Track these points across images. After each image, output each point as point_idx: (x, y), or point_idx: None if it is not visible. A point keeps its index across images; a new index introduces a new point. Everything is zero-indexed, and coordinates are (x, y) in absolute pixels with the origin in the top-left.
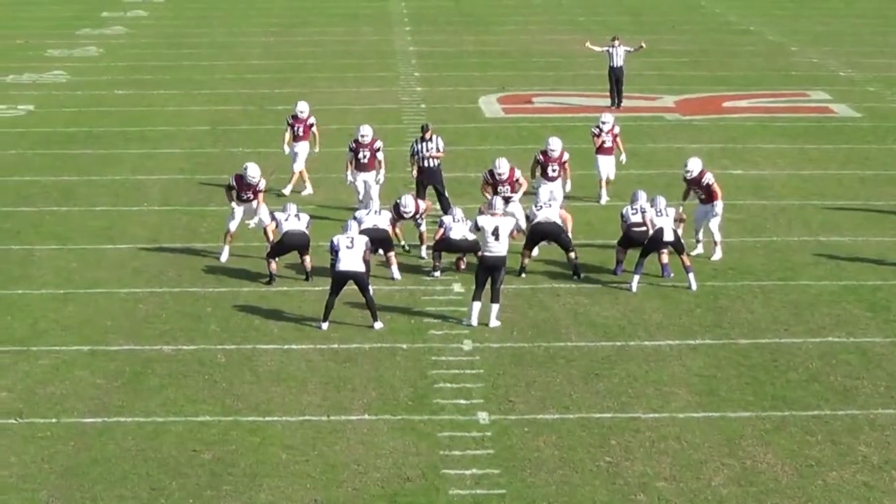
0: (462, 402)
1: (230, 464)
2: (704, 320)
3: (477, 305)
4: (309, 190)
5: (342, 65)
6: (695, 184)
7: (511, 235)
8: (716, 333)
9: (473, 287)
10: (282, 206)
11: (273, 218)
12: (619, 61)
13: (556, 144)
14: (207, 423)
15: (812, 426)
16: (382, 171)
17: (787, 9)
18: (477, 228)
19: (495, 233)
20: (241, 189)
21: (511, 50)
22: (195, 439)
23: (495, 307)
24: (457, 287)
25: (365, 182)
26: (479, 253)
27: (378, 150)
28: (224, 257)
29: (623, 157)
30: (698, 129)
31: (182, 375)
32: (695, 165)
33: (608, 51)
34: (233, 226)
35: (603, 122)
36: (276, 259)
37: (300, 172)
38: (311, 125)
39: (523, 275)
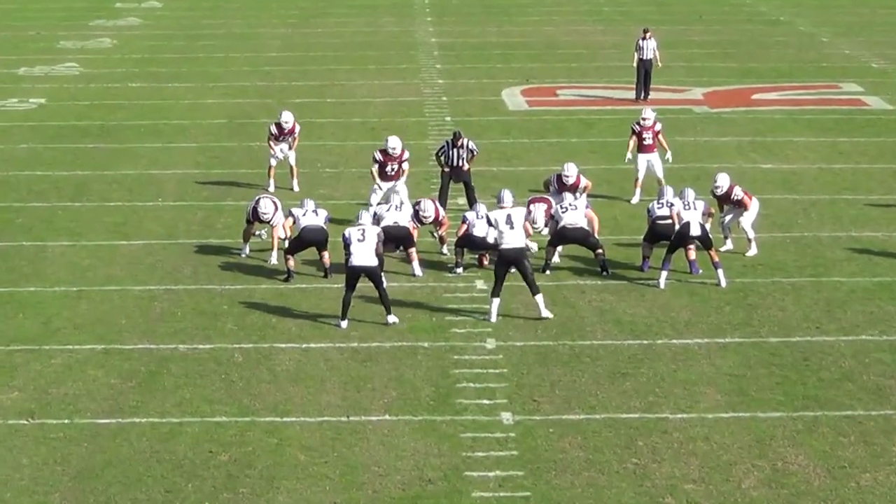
0: (485, 402)
1: (247, 465)
2: (734, 318)
3: (496, 302)
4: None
5: (363, 57)
6: (725, 200)
7: (526, 227)
8: (745, 331)
9: (493, 283)
10: (299, 201)
11: (290, 214)
12: (648, 53)
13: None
14: (224, 424)
15: (845, 427)
16: (404, 177)
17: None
18: (490, 224)
19: (509, 221)
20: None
21: (535, 41)
22: (211, 440)
23: (539, 298)
24: (479, 284)
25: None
26: (497, 247)
27: (405, 160)
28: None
29: (668, 156)
30: (727, 122)
31: (198, 375)
32: (724, 181)
33: (638, 42)
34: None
35: (644, 119)
36: (295, 256)
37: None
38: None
39: (548, 272)
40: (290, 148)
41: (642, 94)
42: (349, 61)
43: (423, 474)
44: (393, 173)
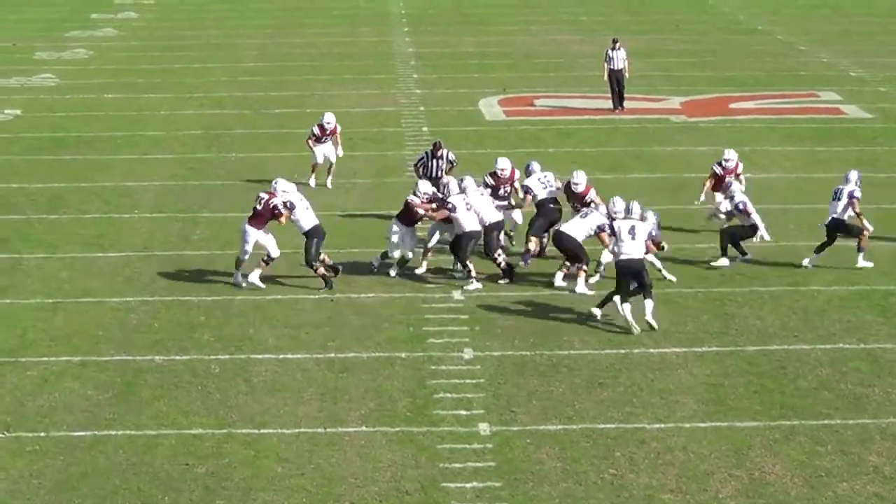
0: (462, 412)
1: (224, 478)
2: (711, 327)
3: (627, 307)
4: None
5: (340, 67)
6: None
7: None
8: (723, 340)
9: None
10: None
11: (287, 206)
12: (619, 64)
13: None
14: (200, 436)
15: (822, 436)
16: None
17: (796, 7)
18: (613, 233)
19: (631, 232)
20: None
21: (512, 51)
22: (188, 452)
23: (648, 304)
24: (456, 294)
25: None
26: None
27: (515, 180)
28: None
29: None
30: (705, 131)
31: (174, 386)
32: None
33: (608, 53)
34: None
35: (727, 161)
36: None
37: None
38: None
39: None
40: (336, 146)
41: (619, 105)
42: (326, 71)
43: (400, 486)
44: (507, 195)
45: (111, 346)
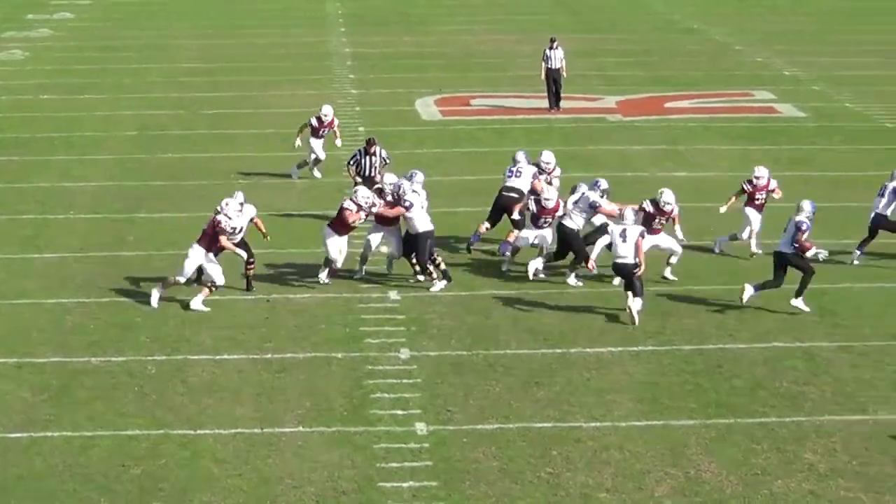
0: (399, 412)
1: (160, 479)
2: (648, 326)
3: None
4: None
5: (276, 68)
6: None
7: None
8: (659, 339)
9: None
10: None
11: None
12: (556, 63)
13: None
14: (137, 437)
15: (757, 434)
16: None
17: (731, 7)
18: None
19: (623, 235)
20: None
21: (449, 51)
22: (124, 454)
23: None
24: (393, 294)
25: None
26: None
27: (557, 176)
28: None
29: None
30: (640, 131)
31: (111, 388)
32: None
33: (546, 52)
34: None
35: (757, 178)
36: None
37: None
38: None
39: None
40: (335, 138)
41: (555, 105)
42: (263, 72)
43: (336, 486)
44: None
45: (47, 347)
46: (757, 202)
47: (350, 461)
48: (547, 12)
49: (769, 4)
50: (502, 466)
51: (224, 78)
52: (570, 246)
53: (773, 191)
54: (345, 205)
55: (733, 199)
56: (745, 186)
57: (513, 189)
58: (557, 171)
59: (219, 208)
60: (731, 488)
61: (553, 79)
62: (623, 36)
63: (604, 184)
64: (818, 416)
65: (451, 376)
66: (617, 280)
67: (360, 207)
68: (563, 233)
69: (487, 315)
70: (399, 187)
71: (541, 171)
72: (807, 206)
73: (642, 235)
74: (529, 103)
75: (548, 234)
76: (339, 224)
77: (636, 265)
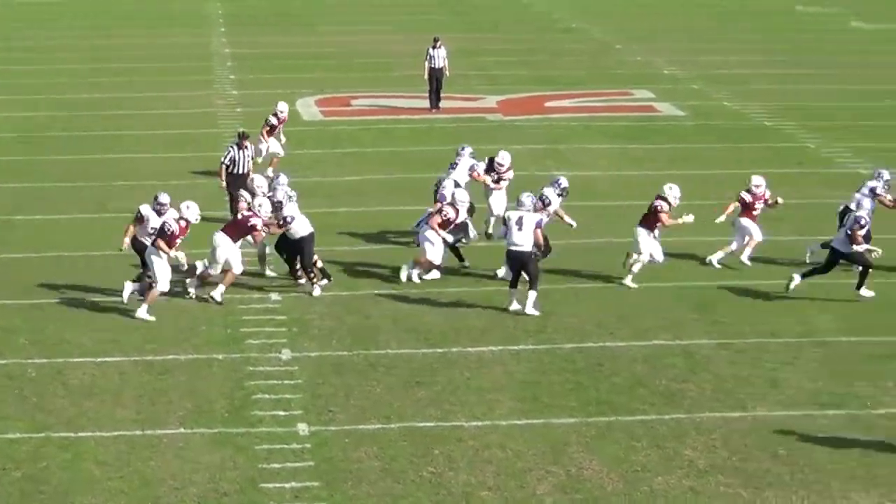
0: (281, 413)
1: (41, 481)
2: (528, 325)
3: (513, 292)
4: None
5: (157, 69)
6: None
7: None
8: (539, 338)
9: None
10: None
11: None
12: (439, 62)
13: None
14: (17, 440)
15: (637, 431)
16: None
17: (611, 6)
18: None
19: (519, 223)
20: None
21: (331, 51)
22: (4, 457)
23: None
24: (274, 295)
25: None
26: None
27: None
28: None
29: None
30: (521, 130)
31: None
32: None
33: (429, 51)
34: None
35: (756, 186)
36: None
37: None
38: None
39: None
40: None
41: (435, 104)
42: (143, 73)
43: (218, 487)
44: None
45: None
46: (755, 212)
47: (232, 462)
48: (429, 12)
49: (648, 4)
50: (384, 466)
51: (105, 79)
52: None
53: (768, 199)
54: (253, 222)
55: (731, 208)
56: (744, 196)
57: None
58: (510, 174)
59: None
60: (612, 485)
61: (436, 78)
62: (504, 35)
63: (564, 182)
64: (697, 413)
65: (333, 377)
66: (502, 271)
67: (266, 225)
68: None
69: (368, 315)
70: (278, 202)
71: (492, 169)
72: (866, 203)
73: (539, 225)
74: (411, 103)
75: (471, 230)
76: (236, 231)
77: (532, 253)
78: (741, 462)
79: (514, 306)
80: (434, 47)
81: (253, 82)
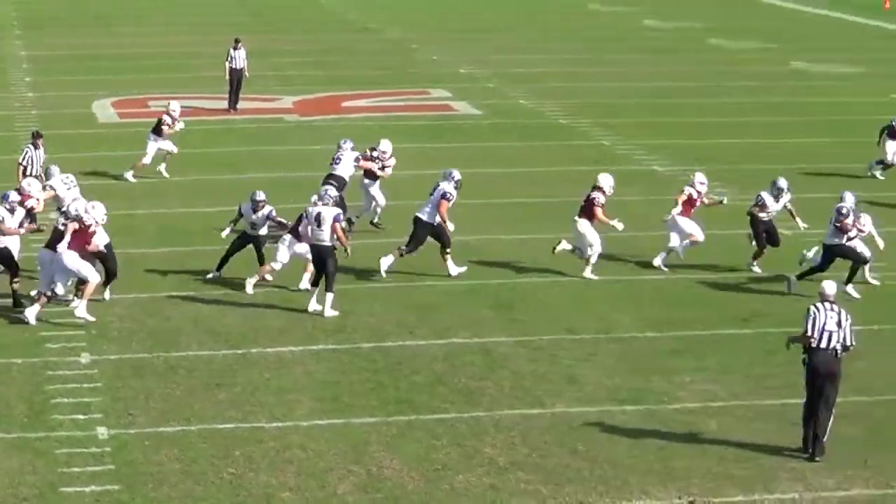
0: (80, 417)
1: None
2: (327, 325)
3: (313, 291)
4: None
5: None
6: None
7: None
8: (339, 338)
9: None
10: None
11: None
12: (239, 63)
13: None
14: None
15: (437, 430)
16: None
17: (406, 7)
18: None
19: (318, 219)
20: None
21: (127, 52)
22: None
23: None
24: (74, 300)
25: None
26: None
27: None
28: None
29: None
30: (318, 130)
31: None
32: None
33: (230, 52)
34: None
35: (702, 184)
36: None
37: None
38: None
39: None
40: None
41: (233, 104)
42: None
43: (17, 492)
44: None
45: None
46: (694, 210)
47: (31, 467)
48: (227, 13)
49: (443, 4)
50: (185, 468)
51: None
52: (418, 236)
53: (704, 200)
54: (91, 228)
55: (680, 204)
56: (691, 192)
57: (334, 177)
58: (392, 161)
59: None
60: (413, 484)
61: (237, 79)
62: (301, 36)
63: (456, 174)
64: (497, 410)
65: (132, 379)
66: (306, 280)
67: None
68: (421, 226)
69: (168, 317)
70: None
71: (373, 158)
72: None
73: (337, 219)
74: (209, 104)
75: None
76: (78, 244)
77: (333, 247)
78: (540, 458)
79: (314, 306)
80: (235, 48)
81: (48, 84)
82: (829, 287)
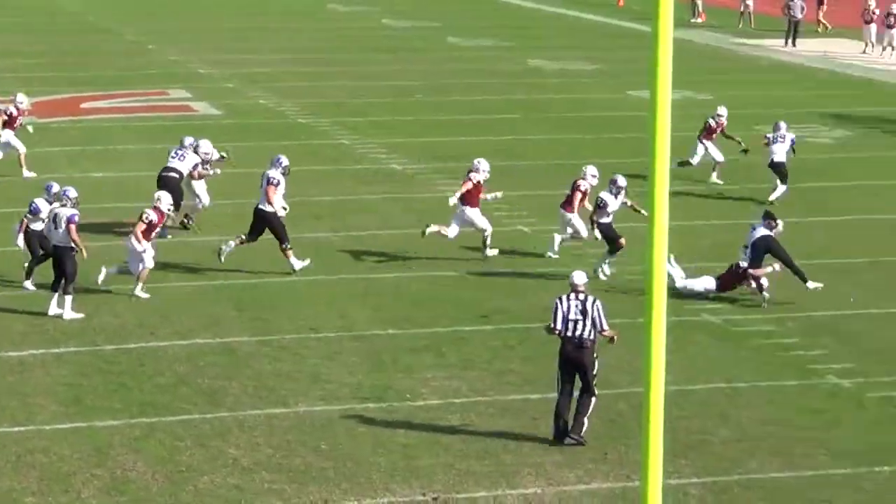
0: None
1: None
2: (68, 327)
3: (54, 295)
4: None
5: None
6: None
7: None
8: (81, 340)
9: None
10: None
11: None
12: None
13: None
14: None
15: (181, 431)
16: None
17: (142, 8)
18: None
19: (55, 220)
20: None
21: None
22: None
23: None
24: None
25: None
26: None
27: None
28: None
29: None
30: (57, 132)
31: None
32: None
33: None
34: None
35: (593, 177)
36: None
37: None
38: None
39: None
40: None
41: None
42: None
43: None
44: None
45: None
46: (573, 203)
47: None
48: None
49: (179, 4)
50: None
51: None
52: (259, 228)
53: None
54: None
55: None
56: (584, 186)
57: (173, 169)
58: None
59: None
60: (158, 486)
61: None
62: (37, 37)
63: (284, 160)
64: (240, 410)
65: None
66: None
67: None
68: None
69: None
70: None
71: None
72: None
73: (71, 220)
74: None
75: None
76: None
77: (72, 248)
78: (284, 458)
79: (54, 310)
80: None
81: None
82: (578, 277)
